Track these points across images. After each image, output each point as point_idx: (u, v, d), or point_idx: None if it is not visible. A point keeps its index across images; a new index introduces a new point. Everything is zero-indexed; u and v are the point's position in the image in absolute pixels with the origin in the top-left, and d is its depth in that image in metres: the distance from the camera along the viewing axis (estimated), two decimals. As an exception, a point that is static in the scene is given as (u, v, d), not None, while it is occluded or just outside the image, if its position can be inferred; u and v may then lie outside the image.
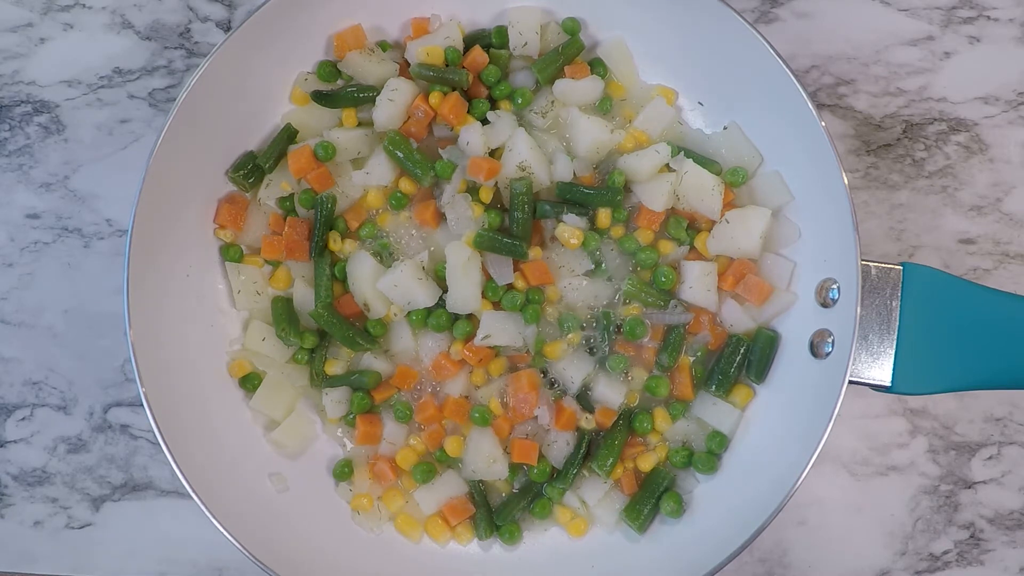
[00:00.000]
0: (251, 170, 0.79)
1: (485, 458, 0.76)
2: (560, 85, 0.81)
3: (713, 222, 0.78)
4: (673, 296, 0.79)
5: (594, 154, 0.79)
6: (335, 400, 0.78)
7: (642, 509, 0.76)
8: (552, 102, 0.82)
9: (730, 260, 0.78)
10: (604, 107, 0.82)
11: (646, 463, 0.77)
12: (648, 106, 0.82)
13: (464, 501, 0.78)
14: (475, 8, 0.83)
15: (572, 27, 0.82)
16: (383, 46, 0.83)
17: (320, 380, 0.79)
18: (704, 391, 0.78)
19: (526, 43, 0.81)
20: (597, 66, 0.83)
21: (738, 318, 0.78)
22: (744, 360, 0.77)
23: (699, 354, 0.78)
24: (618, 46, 0.83)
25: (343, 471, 0.78)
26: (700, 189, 0.77)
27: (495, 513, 0.77)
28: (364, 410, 0.78)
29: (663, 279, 0.78)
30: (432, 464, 0.78)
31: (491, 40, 0.82)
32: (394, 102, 0.79)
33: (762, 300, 0.77)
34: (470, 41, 0.82)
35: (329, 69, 0.81)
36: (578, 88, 0.81)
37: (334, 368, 0.78)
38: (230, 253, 0.79)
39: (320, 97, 0.80)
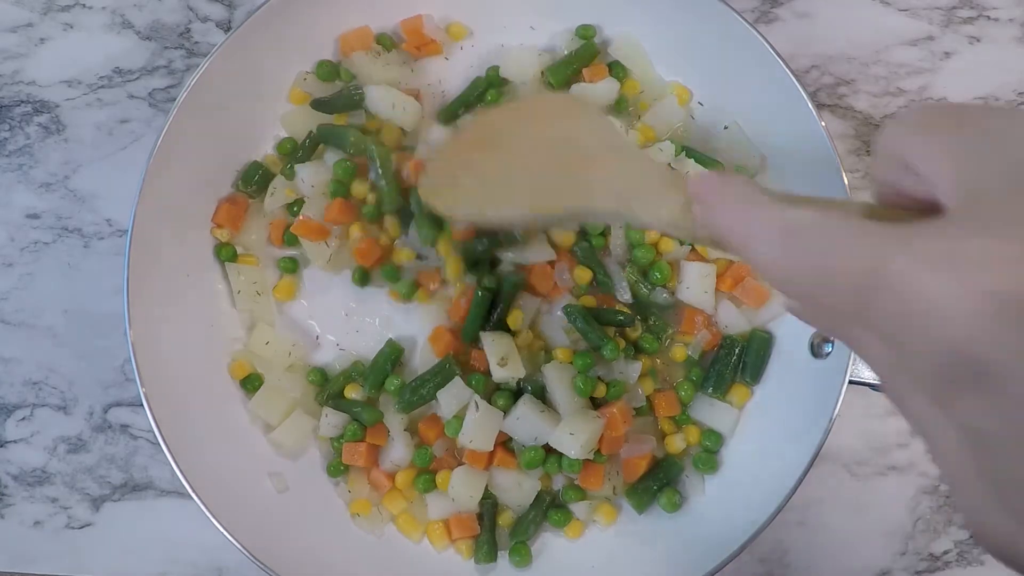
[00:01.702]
0: (259, 179, 0.80)
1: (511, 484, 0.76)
2: (576, 89, 0.81)
3: None
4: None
5: None
6: (331, 423, 0.77)
7: (644, 493, 0.76)
8: None
9: (729, 262, 0.78)
10: (621, 107, 0.82)
11: (672, 445, 0.77)
12: (659, 103, 0.81)
13: (472, 519, 0.76)
14: (474, 16, 0.83)
15: (586, 33, 0.82)
16: (384, 42, 0.83)
17: (323, 397, 0.78)
18: (702, 392, 0.78)
19: (524, 83, 0.82)
20: (616, 68, 0.82)
21: (733, 320, 0.78)
22: (739, 361, 0.77)
23: (696, 356, 0.78)
24: (630, 42, 0.82)
25: (336, 468, 0.78)
26: None
27: (511, 531, 0.77)
28: (356, 439, 0.77)
29: (658, 275, 0.77)
30: (433, 477, 0.77)
31: (487, 86, 0.83)
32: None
33: (759, 304, 0.77)
34: (461, 102, 0.82)
35: (328, 68, 0.81)
36: (594, 91, 0.81)
37: (354, 393, 0.78)
38: (223, 252, 0.79)
39: (320, 104, 0.79)
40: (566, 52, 0.83)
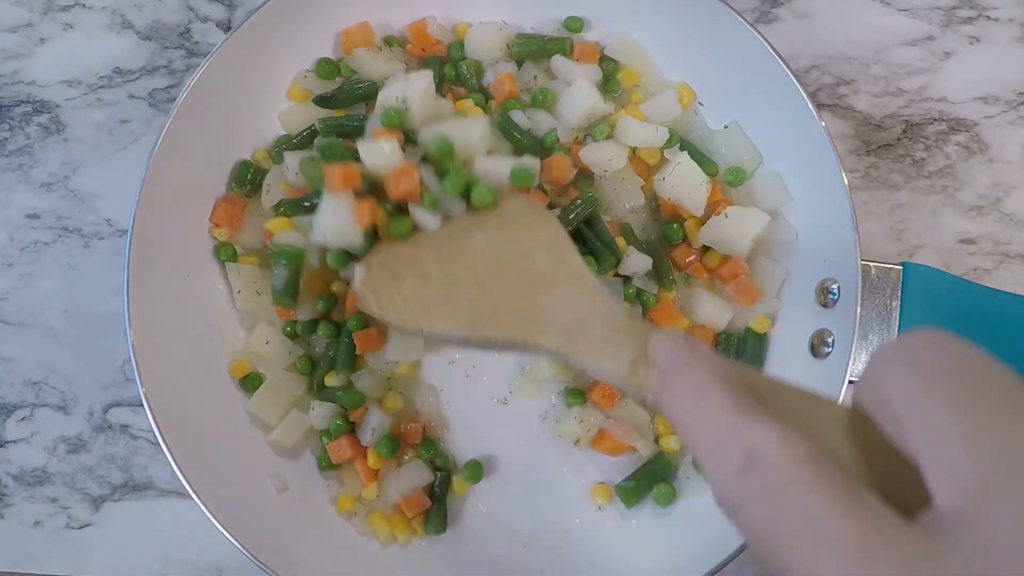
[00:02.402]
0: (251, 178, 0.80)
1: None
2: (558, 61, 0.80)
3: (695, 218, 0.78)
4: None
5: (584, 120, 0.79)
6: (319, 415, 0.77)
7: (633, 492, 0.76)
8: (535, 76, 0.81)
9: (724, 258, 0.78)
10: (612, 88, 0.82)
11: (667, 444, 0.77)
12: (658, 96, 0.81)
13: (420, 495, 0.77)
14: (472, 13, 0.83)
15: (572, 25, 0.82)
16: (390, 41, 0.83)
17: (314, 391, 0.78)
18: None
19: (495, 60, 0.82)
20: (607, 62, 0.82)
21: (720, 316, 0.78)
22: (737, 358, 0.77)
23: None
24: (627, 41, 0.82)
25: (327, 462, 0.77)
26: (688, 182, 0.77)
27: None
28: (341, 434, 0.77)
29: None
30: (395, 438, 0.77)
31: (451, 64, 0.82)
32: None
33: (749, 302, 0.78)
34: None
35: (328, 66, 0.81)
36: (573, 70, 0.80)
37: (333, 380, 0.77)
38: (223, 252, 0.79)
39: (322, 100, 0.79)
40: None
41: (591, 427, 0.77)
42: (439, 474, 0.78)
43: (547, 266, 0.56)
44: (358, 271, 0.64)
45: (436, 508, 0.77)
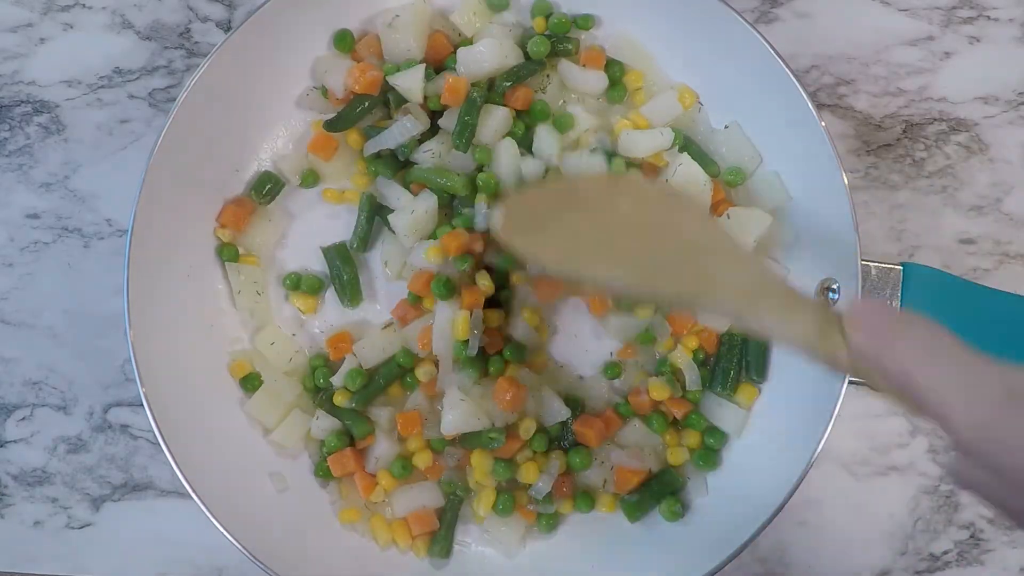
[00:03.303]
0: (271, 188, 0.81)
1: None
2: (564, 66, 0.80)
3: None
4: None
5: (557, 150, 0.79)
6: (321, 427, 0.77)
7: (636, 506, 0.76)
8: (548, 76, 0.81)
9: None
10: (618, 93, 0.81)
11: (673, 456, 0.77)
12: (659, 96, 0.81)
13: (431, 513, 0.76)
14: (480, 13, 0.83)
15: (583, 23, 0.82)
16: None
17: (321, 401, 0.78)
18: (709, 392, 0.78)
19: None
20: (612, 66, 0.82)
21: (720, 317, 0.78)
22: (742, 357, 0.77)
23: (700, 356, 0.78)
24: (630, 42, 0.82)
25: (325, 470, 0.77)
26: (691, 183, 0.77)
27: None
28: (342, 447, 0.76)
29: None
30: (409, 461, 0.76)
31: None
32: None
33: None
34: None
35: (347, 39, 0.81)
36: (581, 77, 0.80)
37: (343, 400, 0.76)
38: (225, 252, 0.79)
39: (331, 125, 0.80)
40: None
41: (612, 464, 0.77)
42: (452, 498, 0.77)
43: (702, 239, 0.56)
44: (496, 214, 0.65)
45: (444, 532, 0.76)
